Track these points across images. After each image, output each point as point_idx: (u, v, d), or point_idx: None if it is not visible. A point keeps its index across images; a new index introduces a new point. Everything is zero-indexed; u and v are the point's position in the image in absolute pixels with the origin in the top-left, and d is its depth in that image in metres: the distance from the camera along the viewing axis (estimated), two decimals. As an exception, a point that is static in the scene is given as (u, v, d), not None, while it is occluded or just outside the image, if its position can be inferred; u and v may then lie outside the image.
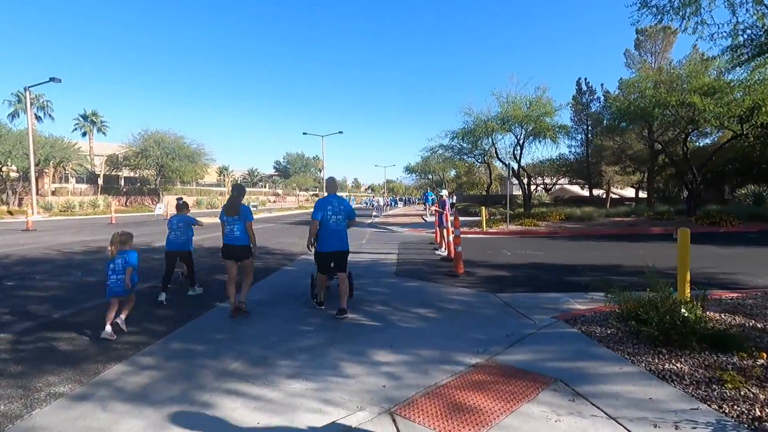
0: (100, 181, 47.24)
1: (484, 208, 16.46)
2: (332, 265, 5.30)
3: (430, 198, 27.92)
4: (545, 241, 13.30)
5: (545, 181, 40.41)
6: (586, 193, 45.32)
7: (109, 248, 4.62)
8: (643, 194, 38.49)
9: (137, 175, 47.14)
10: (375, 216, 31.45)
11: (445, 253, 10.06)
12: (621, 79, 25.69)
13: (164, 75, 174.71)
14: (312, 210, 5.45)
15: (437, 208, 10.32)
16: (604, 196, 36.91)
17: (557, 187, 45.65)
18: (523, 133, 19.64)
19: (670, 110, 15.45)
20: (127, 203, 44.15)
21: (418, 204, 66.86)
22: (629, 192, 41.94)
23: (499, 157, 20.41)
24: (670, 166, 25.27)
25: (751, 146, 18.34)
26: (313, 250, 5.42)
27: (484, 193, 42.08)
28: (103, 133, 47.17)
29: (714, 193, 26.98)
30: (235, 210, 5.20)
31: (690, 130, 16.24)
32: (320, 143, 46.30)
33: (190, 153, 42.11)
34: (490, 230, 15.74)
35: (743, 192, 21.78)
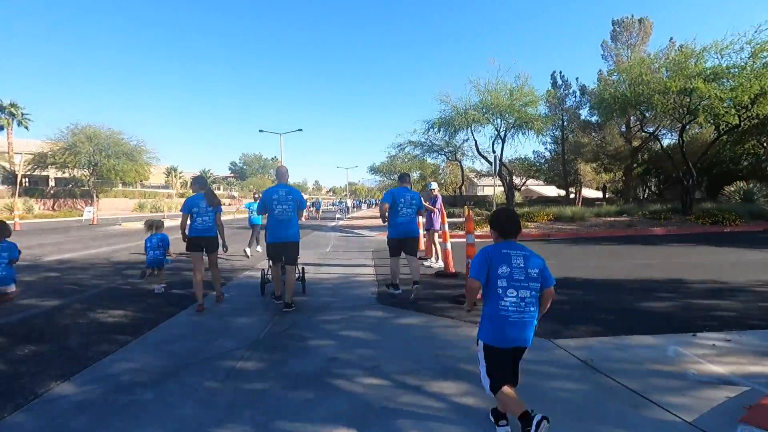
0: (25, 182, 41.41)
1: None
2: (282, 257, 5.11)
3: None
4: (545, 245, 11.21)
5: (513, 180, 39.11)
6: (551, 193, 44.86)
7: (148, 230, 6.08)
8: (604, 194, 38.20)
9: (69, 176, 41.71)
10: (339, 218, 28.73)
11: (440, 266, 7.65)
12: (599, 72, 24.59)
13: (103, 71, 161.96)
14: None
15: (428, 207, 7.90)
16: (573, 195, 36.17)
17: (522, 187, 44.85)
18: (505, 125, 17.70)
19: (670, 98, 13.87)
20: (55, 207, 38.87)
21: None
22: (591, 192, 41.62)
23: (480, 151, 18.37)
24: (650, 163, 24.44)
25: (739, 141, 17.36)
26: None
27: (453, 193, 40.47)
28: (26, 127, 41.21)
29: (702, 191, 26.51)
30: (217, 200, 5.25)
31: (688, 121, 14.79)
32: (278, 143, 42.96)
33: (128, 150, 37.41)
34: (477, 233, 13.50)
35: (732, 189, 21.07)
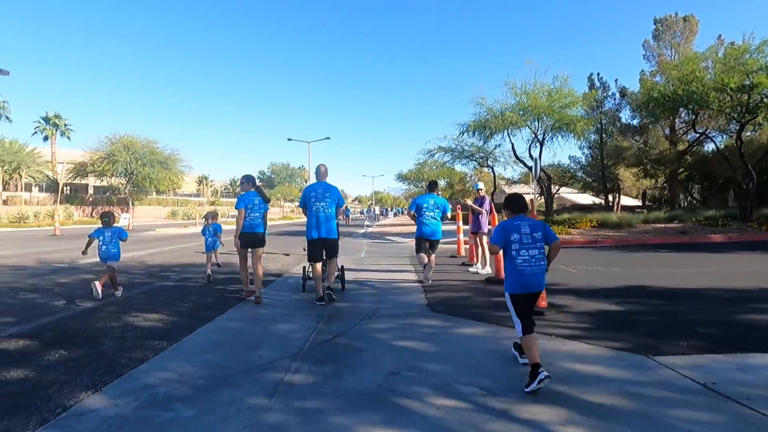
0: (66, 190, 43.21)
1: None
2: (324, 253, 5.18)
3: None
4: (595, 252, 10.43)
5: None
6: (584, 201, 43.20)
7: (206, 221, 7.35)
8: (644, 202, 36.35)
9: (107, 184, 43.29)
10: (368, 225, 28.41)
11: (489, 272, 7.08)
12: (642, 72, 23.46)
13: (139, 82, 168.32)
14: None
15: (471, 206, 7.38)
16: (611, 203, 34.62)
17: (555, 195, 43.39)
18: (543, 127, 16.95)
19: (727, 95, 12.86)
20: (93, 213, 40.20)
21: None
22: (628, 200, 39.76)
23: (517, 155, 17.60)
24: (697, 167, 22.98)
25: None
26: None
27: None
28: (68, 138, 43.18)
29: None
30: (267, 198, 5.37)
31: (747, 120, 13.68)
32: (306, 152, 43.31)
33: (163, 159, 38.53)
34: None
35: None
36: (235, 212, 5.26)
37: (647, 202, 35.98)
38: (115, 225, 6.02)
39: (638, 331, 3.80)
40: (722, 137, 21.00)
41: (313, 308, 5.03)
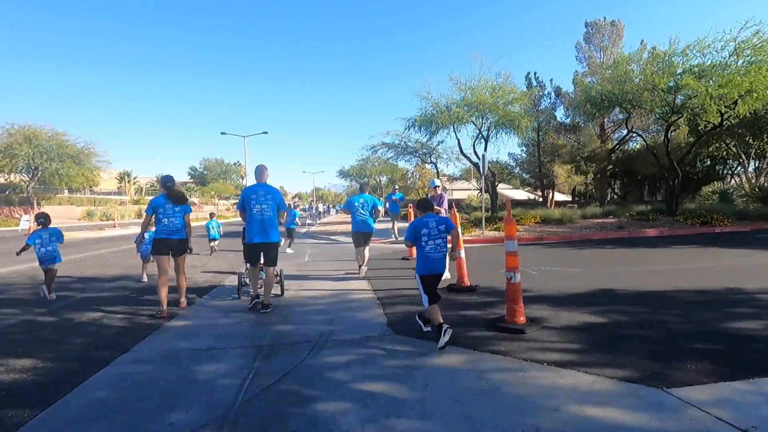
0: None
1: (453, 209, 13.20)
2: (261, 258, 5.02)
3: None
4: (545, 250, 10.31)
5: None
6: (519, 196, 45.07)
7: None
8: (573, 197, 38.60)
9: (5, 181, 37.67)
10: (309, 224, 27.17)
11: (447, 277, 6.48)
12: (575, 73, 24.46)
13: (46, 66, 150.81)
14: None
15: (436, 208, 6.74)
16: (541, 199, 36.25)
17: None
18: (487, 124, 16.91)
19: (658, 95, 13.48)
20: (-12, 215, 34.86)
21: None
22: (558, 196, 42.05)
23: (463, 151, 17.43)
24: (622, 164, 24.49)
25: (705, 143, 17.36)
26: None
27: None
28: (-46, 128, 36.86)
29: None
30: (184, 200, 4.99)
31: (674, 120, 14.49)
32: (242, 146, 40.69)
33: (74, 153, 34.16)
34: (466, 238, 12.55)
35: (709, 189, 21.29)
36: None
37: (575, 198, 38.14)
38: (51, 226, 6.02)
39: (636, 351, 3.31)
40: (645, 136, 22.45)
41: (249, 333, 4.09)
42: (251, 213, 4.90)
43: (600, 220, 15.28)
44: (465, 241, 11.91)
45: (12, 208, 36.92)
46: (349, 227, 8.34)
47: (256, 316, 4.79)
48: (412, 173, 52.75)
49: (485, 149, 16.79)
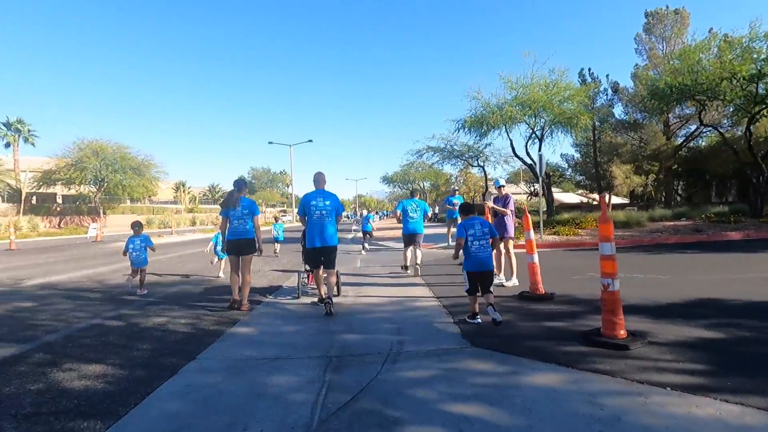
0: (33, 200, 40.48)
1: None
2: (321, 261, 5.13)
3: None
4: (618, 255, 9.45)
5: (536, 187, 37.32)
6: (569, 199, 42.95)
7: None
8: (632, 199, 36.13)
9: (76, 192, 40.80)
10: (356, 230, 27.14)
11: (516, 283, 6.00)
12: (636, 66, 22.95)
13: (110, 85, 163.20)
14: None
15: (493, 208, 6.29)
16: (596, 202, 34.22)
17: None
18: (541, 123, 16.09)
19: (739, 84, 12.19)
20: (61, 224, 37.77)
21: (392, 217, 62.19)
22: (614, 199, 39.57)
23: (516, 152, 16.64)
24: (691, 163, 22.51)
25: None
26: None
27: (472, 202, 38.86)
28: (32, 144, 40.51)
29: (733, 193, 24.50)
30: (236, 203, 5.18)
31: (757, 111, 13.05)
32: (287, 156, 41.75)
33: (135, 165, 36.42)
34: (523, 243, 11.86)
35: None
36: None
37: (633, 200, 35.77)
38: (143, 233, 6.74)
39: (782, 375, 2.72)
40: (714, 131, 20.58)
41: (314, 341, 3.84)
42: (311, 218, 5.06)
43: (671, 223, 14.01)
44: (522, 246, 11.25)
45: (81, 217, 39.80)
46: (394, 233, 8.54)
47: (319, 323, 4.57)
48: (456, 178, 51.91)
49: (540, 149, 15.96)
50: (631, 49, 23.75)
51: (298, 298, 5.82)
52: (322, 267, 5.14)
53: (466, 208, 4.64)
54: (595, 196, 35.55)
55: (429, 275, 7.46)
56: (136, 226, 6.78)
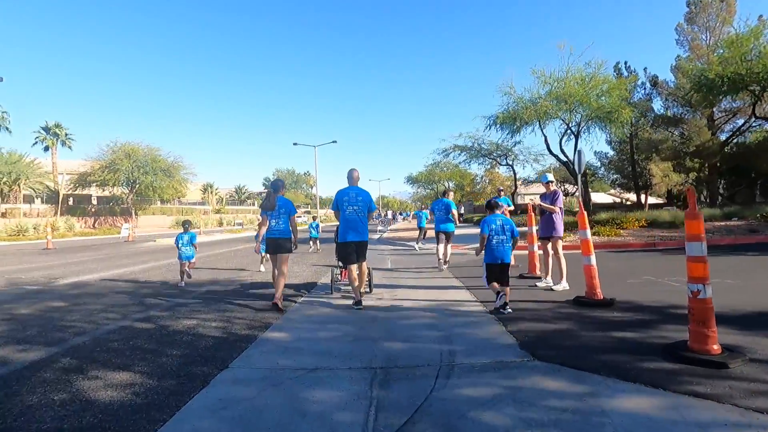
0: (69, 201, 42.06)
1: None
2: (354, 256, 5.24)
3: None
4: (667, 257, 8.82)
5: (566, 186, 36.18)
6: (603, 199, 41.39)
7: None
8: (669, 199, 34.41)
9: (110, 194, 42.15)
10: (381, 231, 26.84)
11: (566, 287, 5.51)
12: (677, 57, 21.82)
13: (141, 88, 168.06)
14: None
15: (539, 205, 5.82)
16: (629, 202, 32.74)
17: (574, 194, 41.54)
18: (577, 118, 15.36)
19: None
20: (95, 225, 39.04)
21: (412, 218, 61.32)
22: (650, 198, 37.83)
23: (551, 149, 15.95)
24: (737, 160, 21.08)
25: None
26: None
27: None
28: (69, 147, 42.04)
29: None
30: (272, 205, 5.31)
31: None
32: (312, 157, 41.82)
33: (166, 166, 37.29)
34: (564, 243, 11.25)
35: None
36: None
37: (671, 200, 34.10)
38: (190, 230, 7.40)
39: None
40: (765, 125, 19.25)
41: (355, 350, 3.50)
42: (344, 213, 5.20)
43: (721, 223, 13.06)
44: (564, 248, 10.65)
45: (114, 218, 41.05)
46: (416, 233, 9.39)
47: (357, 328, 4.23)
48: (482, 178, 50.86)
49: (576, 146, 15.24)
50: (669, 41, 22.74)
51: (331, 294, 5.95)
52: (355, 265, 5.21)
53: (490, 205, 4.94)
54: (629, 195, 34.07)
55: (465, 277, 7.03)
56: (186, 224, 7.49)
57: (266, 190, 6.15)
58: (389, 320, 4.51)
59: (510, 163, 24.52)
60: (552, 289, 5.58)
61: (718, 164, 20.41)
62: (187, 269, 7.20)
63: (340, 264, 5.85)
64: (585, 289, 4.88)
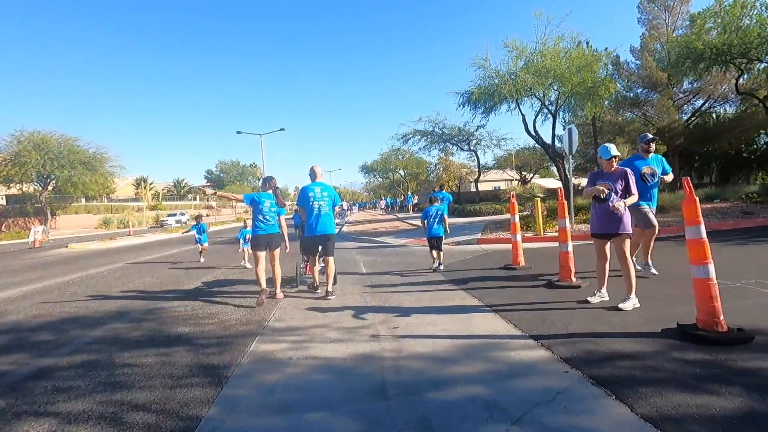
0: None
1: (539, 200, 10.51)
2: (320, 249, 5.50)
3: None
4: (672, 246, 7.56)
5: (523, 173, 35.94)
6: (554, 185, 41.87)
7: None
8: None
9: (19, 191, 36.43)
10: (339, 224, 24.74)
11: (636, 305, 3.87)
12: (642, 35, 21.46)
13: (58, 71, 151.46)
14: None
15: (598, 189, 4.11)
16: (580, 187, 33.04)
17: (529, 182, 41.57)
18: (554, 95, 14.14)
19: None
20: (3, 228, 33.52)
21: (370, 208, 59.86)
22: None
23: (528, 129, 14.51)
24: (698, 140, 21.10)
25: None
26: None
27: (458, 190, 37.15)
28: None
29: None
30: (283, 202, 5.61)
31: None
32: (258, 147, 38.61)
33: (86, 159, 32.58)
34: (548, 235, 9.92)
35: None
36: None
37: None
38: (202, 222, 10.33)
39: None
40: (723, 106, 19.26)
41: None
42: (310, 209, 5.35)
43: (708, 206, 12.36)
44: (548, 239, 9.25)
45: (27, 219, 35.54)
46: (384, 225, 10.25)
47: (361, 420, 2.28)
48: (436, 165, 50.06)
49: (553, 127, 14.03)
50: (627, 22, 22.29)
51: (296, 287, 6.01)
52: (318, 255, 5.60)
53: (432, 198, 7.41)
54: (583, 180, 34.34)
55: (477, 288, 5.27)
56: (198, 217, 10.79)
57: (208, 184, 4.46)
58: (408, 392, 2.60)
59: (473, 148, 23.24)
60: (619, 309, 3.92)
61: (678, 145, 20.32)
62: (202, 251, 10.06)
63: (305, 258, 6.16)
64: (676, 308, 3.23)
